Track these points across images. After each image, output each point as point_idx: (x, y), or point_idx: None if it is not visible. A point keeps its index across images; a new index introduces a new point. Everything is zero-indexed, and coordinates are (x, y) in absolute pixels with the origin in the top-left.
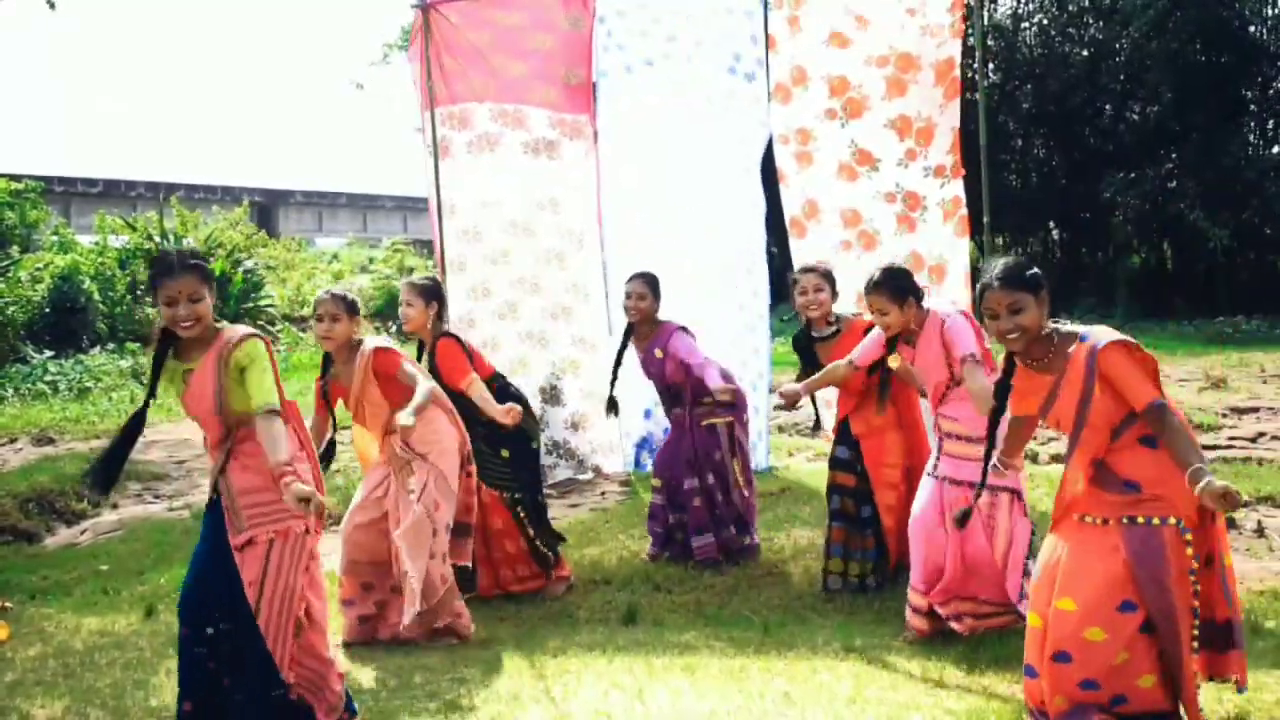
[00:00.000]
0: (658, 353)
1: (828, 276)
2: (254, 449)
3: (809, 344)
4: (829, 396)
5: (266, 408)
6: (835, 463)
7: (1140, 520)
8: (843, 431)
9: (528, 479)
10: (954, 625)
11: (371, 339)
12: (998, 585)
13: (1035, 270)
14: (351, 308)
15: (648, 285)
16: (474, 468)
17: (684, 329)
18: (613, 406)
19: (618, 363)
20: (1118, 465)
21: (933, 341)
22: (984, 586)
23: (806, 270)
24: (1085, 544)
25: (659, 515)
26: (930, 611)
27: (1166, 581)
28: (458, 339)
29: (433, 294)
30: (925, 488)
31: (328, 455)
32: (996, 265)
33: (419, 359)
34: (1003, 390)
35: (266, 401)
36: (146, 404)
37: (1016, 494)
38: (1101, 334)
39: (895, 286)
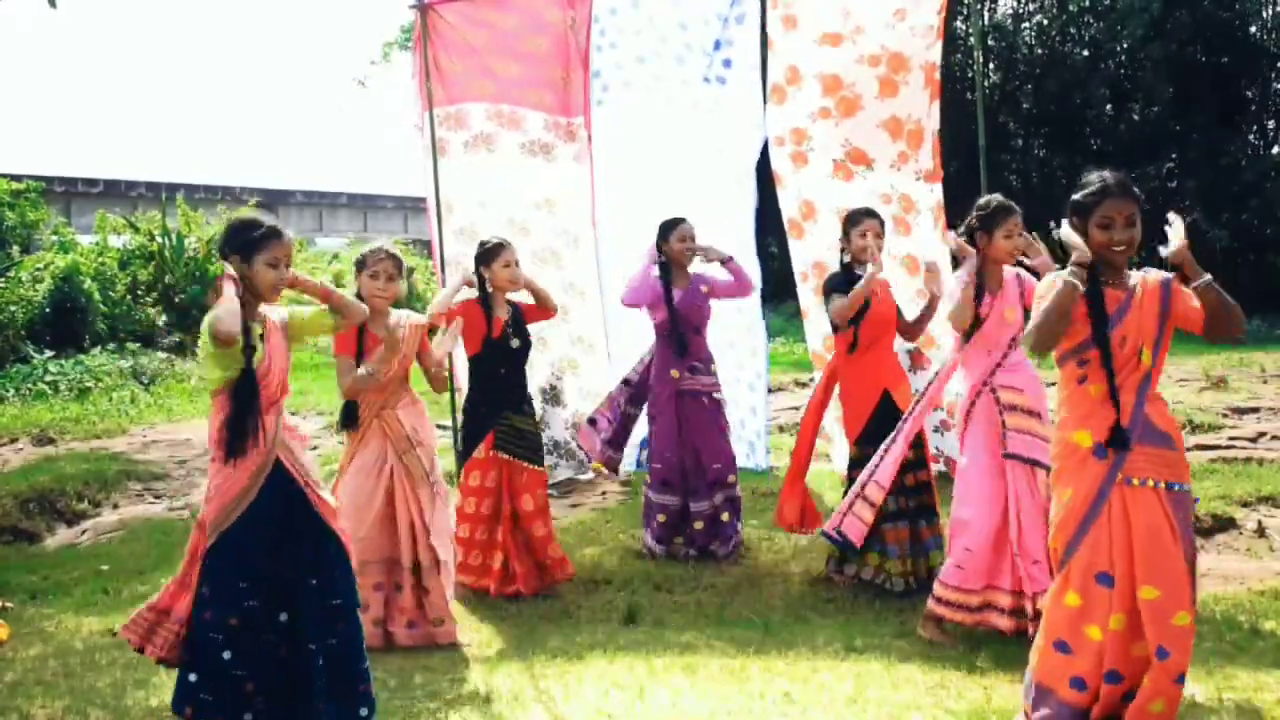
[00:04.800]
0: (703, 288)
1: (884, 223)
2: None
3: (849, 276)
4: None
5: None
6: (864, 463)
7: (1178, 487)
8: (880, 430)
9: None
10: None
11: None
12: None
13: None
14: (402, 268)
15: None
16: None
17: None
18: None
19: (668, 297)
20: (1156, 418)
21: (1013, 293)
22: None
23: (868, 215)
24: (1150, 518)
25: (673, 517)
26: (1017, 609)
27: (1194, 549)
28: None
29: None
30: (989, 478)
31: (351, 418)
32: (1106, 174)
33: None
34: (1098, 301)
35: (326, 316)
36: (250, 357)
37: None
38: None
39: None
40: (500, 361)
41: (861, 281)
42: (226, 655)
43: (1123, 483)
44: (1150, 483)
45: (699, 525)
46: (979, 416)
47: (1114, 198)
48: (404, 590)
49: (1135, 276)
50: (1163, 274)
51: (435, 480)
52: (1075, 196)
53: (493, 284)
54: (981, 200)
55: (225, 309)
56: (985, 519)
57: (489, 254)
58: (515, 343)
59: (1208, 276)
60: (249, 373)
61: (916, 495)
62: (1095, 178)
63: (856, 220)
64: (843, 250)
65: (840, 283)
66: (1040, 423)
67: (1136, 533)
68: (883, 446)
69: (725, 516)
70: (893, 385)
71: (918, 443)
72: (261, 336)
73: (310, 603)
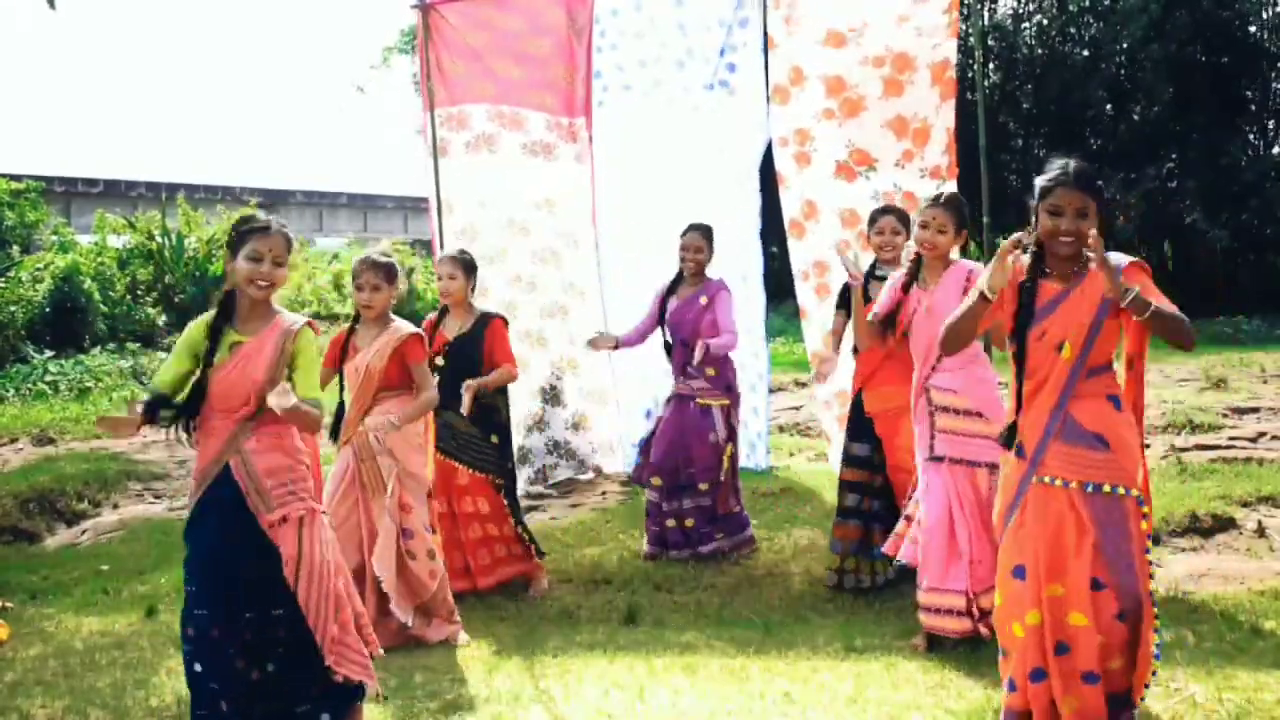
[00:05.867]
0: (702, 300)
1: (904, 219)
2: (277, 430)
3: (867, 281)
4: (827, 398)
5: (312, 404)
6: (852, 460)
7: (1106, 489)
8: (857, 424)
9: (510, 471)
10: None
11: (405, 323)
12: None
13: (1099, 180)
14: (391, 275)
15: (704, 237)
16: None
17: (728, 288)
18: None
19: (662, 311)
20: (1083, 416)
21: (952, 288)
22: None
23: (886, 211)
24: (1058, 517)
25: (654, 513)
26: (968, 612)
27: (1132, 558)
28: (506, 325)
29: (472, 268)
30: (931, 478)
31: (336, 424)
32: (1065, 163)
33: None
34: (1028, 295)
35: (313, 399)
36: (206, 370)
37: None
38: (1118, 255)
39: (959, 211)
40: (438, 371)
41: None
42: (197, 668)
43: (1036, 481)
44: (1059, 482)
45: (670, 524)
46: (919, 418)
47: (1067, 187)
48: (366, 599)
49: (1093, 266)
50: (1120, 261)
51: (391, 501)
52: (1037, 179)
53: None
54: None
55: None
56: (930, 518)
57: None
58: (440, 361)
59: (1144, 303)
60: (203, 373)
61: (881, 498)
62: (1058, 164)
63: (873, 220)
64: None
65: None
66: (982, 421)
67: (1045, 530)
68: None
69: (689, 523)
70: (868, 388)
71: (880, 445)
72: (234, 346)
73: (254, 613)
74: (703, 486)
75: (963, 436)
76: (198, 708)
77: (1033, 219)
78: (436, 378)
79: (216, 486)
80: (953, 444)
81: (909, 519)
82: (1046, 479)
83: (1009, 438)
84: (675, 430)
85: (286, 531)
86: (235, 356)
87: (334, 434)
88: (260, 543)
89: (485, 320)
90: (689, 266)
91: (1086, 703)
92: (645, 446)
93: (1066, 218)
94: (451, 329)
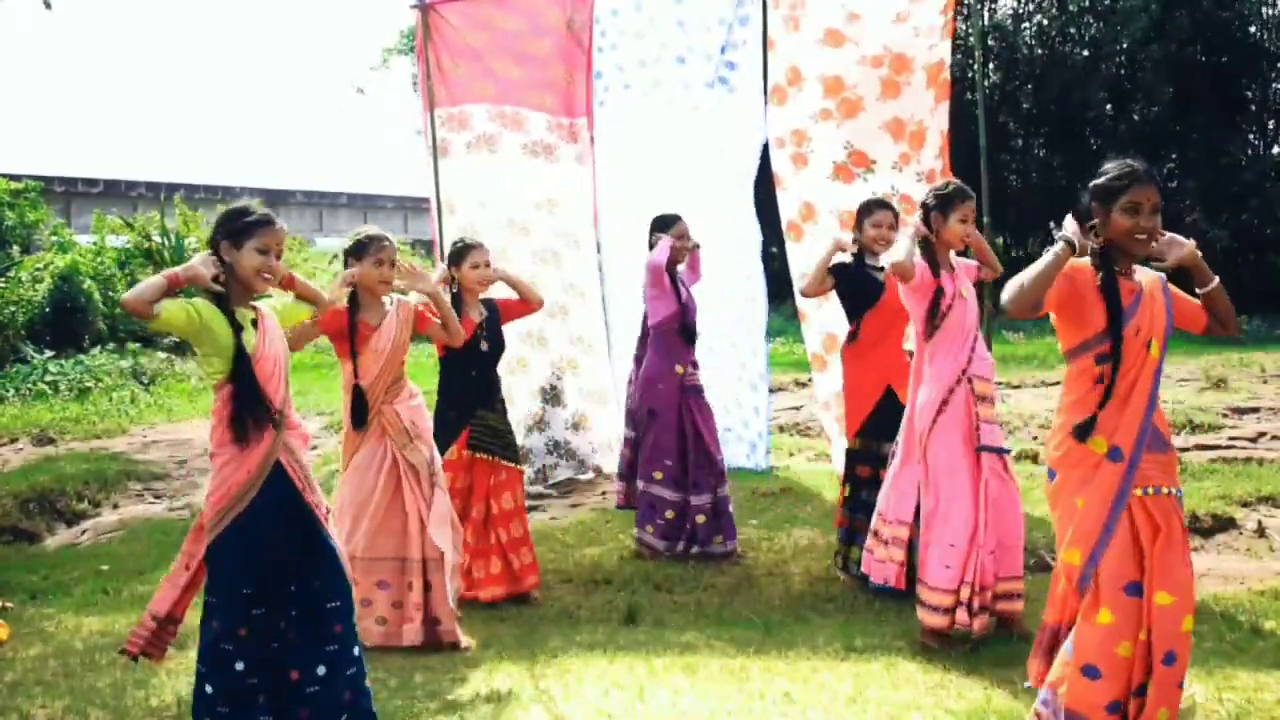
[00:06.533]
0: (685, 282)
1: (896, 214)
2: (294, 421)
3: (860, 266)
4: (827, 398)
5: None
6: (884, 460)
7: (1179, 492)
8: (889, 423)
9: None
10: (999, 609)
11: (400, 296)
12: (1017, 558)
13: None
14: (394, 251)
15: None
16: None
17: None
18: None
19: (678, 292)
20: (1158, 420)
21: (962, 272)
22: (1011, 562)
23: (882, 205)
24: (1168, 525)
25: (684, 510)
26: (968, 603)
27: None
28: None
29: None
30: (962, 468)
31: (361, 410)
32: (1126, 161)
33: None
34: (1113, 289)
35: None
36: (241, 344)
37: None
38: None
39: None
40: (471, 364)
41: (826, 249)
42: (239, 666)
43: (1142, 493)
44: (1165, 490)
45: (701, 519)
46: (955, 409)
47: (1141, 184)
48: (414, 588)
49: (1139, 272)
50: (1156, 273)
51: (435, 472)
52: (1098, 181)
53: (462, 285)
54: (939, 182)
55: (146, 281)
56: (969, 513)
57: (458, 255)
58: (485, 345)
59: (1217, 279)
60: (243, 357)
61: None
62: (1119, 164)
63: (869, 210)
64: (855, 240)
65: (846, 272)
66: (994, 407)
67: (1159, 539)
68: (888, 479)
69: (731, 509)
70: (897, 382)
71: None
72: (254, 322)
73: (307, 607)
74: (726, 469)
75: (993, 425)
76: (229, 706)
77: (1094, 220)
78: (473, 371)
79: (269, 487)
80: (992, 434)
81: (878, 535)
82: (1151, 490)
83: (1084, 431)
84: (701, 422)
85: (332, 528)
86: (261, 333)
87: (358, 420)
88: (317, 534)
89: (490, 302)
90: (684, 255)
91: (1175, 709)
92: (668, 452)
93: (1144, 214)
94: (475, 314)
